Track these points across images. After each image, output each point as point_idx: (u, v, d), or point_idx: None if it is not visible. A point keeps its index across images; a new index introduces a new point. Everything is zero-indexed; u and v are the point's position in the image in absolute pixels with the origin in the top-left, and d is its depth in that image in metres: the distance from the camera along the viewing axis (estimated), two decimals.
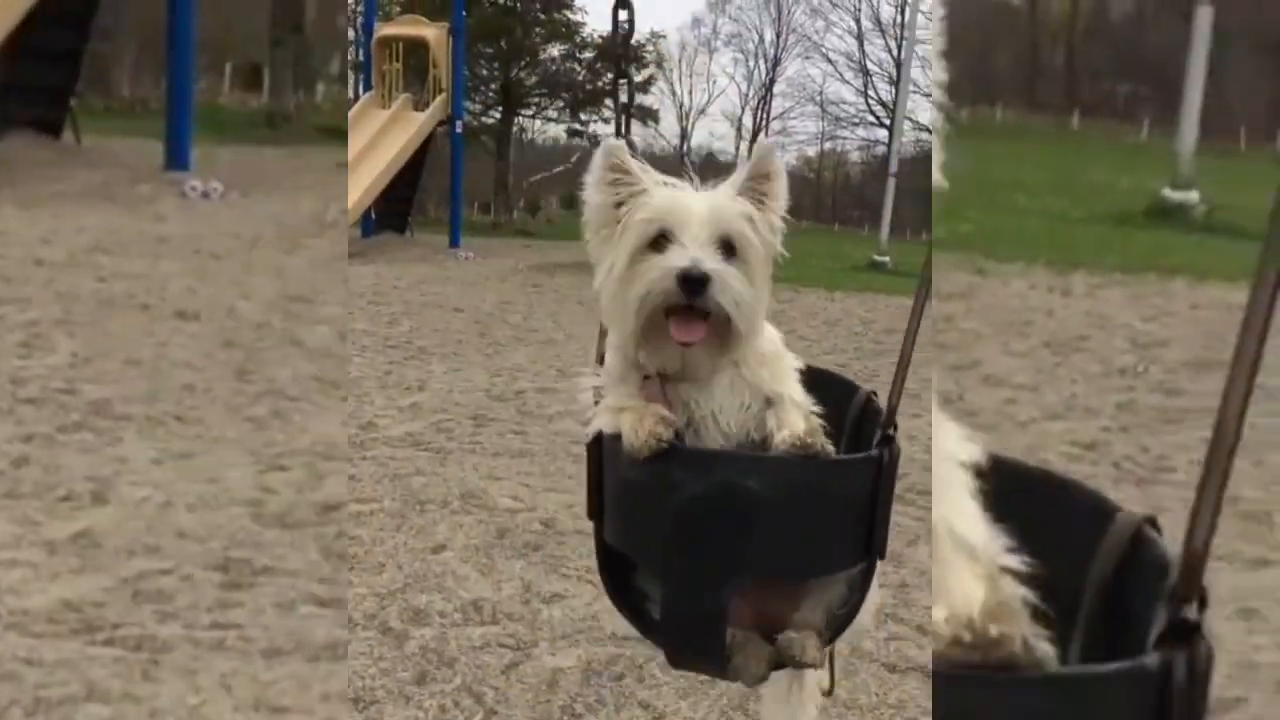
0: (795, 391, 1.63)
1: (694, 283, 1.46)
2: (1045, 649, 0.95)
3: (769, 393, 1.60)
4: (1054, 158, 20.78)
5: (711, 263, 1.47)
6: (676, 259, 1.47)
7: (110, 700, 2.56)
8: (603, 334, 1.75)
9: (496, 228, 29.56)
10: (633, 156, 1.62)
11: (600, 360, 1.76)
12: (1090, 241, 11.18)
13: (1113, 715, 0.91)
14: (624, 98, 1.95)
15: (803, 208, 48.01)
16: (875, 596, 1.71)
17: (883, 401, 1.65)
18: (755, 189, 1.57)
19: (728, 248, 1.52)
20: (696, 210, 1.53)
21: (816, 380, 1.72)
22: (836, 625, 1.61)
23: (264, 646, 2.81)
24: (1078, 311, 7.98)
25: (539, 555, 4.01)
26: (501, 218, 32.07)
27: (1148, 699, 0.90)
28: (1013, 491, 1.25)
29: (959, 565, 1.15)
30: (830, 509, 1.51)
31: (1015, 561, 1.17)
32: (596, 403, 1.68)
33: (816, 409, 1.63)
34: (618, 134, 1.88)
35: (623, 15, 1.96)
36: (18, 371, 4.90)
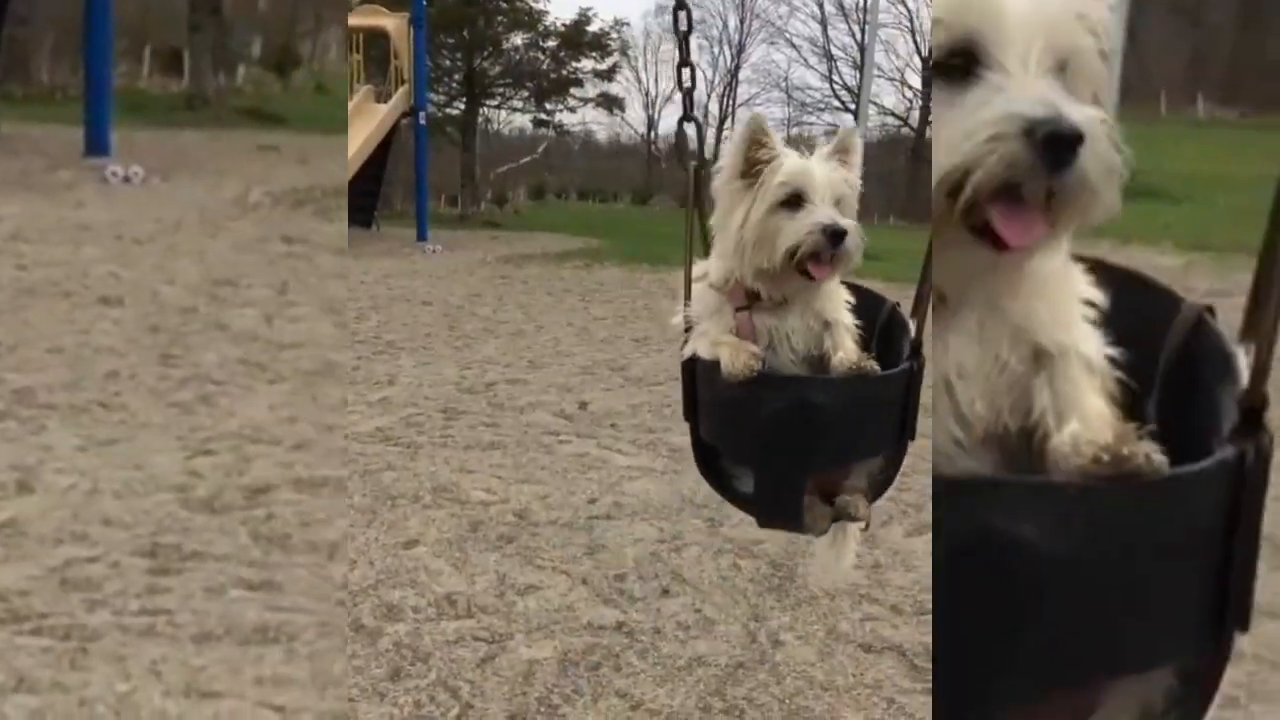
0: (846, 317, 1.97)
1: (836, 236, 1.80)
2: (1161, 459, 1.04)
3: (828, 318, 1.95)
4: None
5: (845, 221, 1.81)
6: (820, 216, 1.81)
7: (39, 690, 2.51)
8: (688, 274, 2.04)
9: (464, 220, 29.14)
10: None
11: (687, 295, 2.04)
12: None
13: (1206, 498, 1.04)
14: (687, 83, 2.20)
15: None
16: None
17: (905, 312, 1.98)
18: (841, 160, 1.91)
19: (840, 206, 1.85)
20: (820, 176, 1.85)
21: (853, 292, 2.03)
22: (877, 488, 2.03)
23: (194, 632, 2.77)
24: None
25: (513, 547, 3.98)
26: (469, 210, 31.60)
27: (1228, 483, 1.04)
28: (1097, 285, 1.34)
29: (1085, 383, 1.25)
30: (876, 411, 1.90)
31: (1121, 376, 1.30)
32: (687, 329, 2.01)
33: (859, 324, 1.97)
34: (685, 118, 2.17)
35: (682, 18, 2.20)
36: None
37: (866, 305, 2.08)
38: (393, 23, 19.56)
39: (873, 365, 1.88)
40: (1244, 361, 1.11)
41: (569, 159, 50.00)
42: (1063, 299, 1.28)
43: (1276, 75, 26.47)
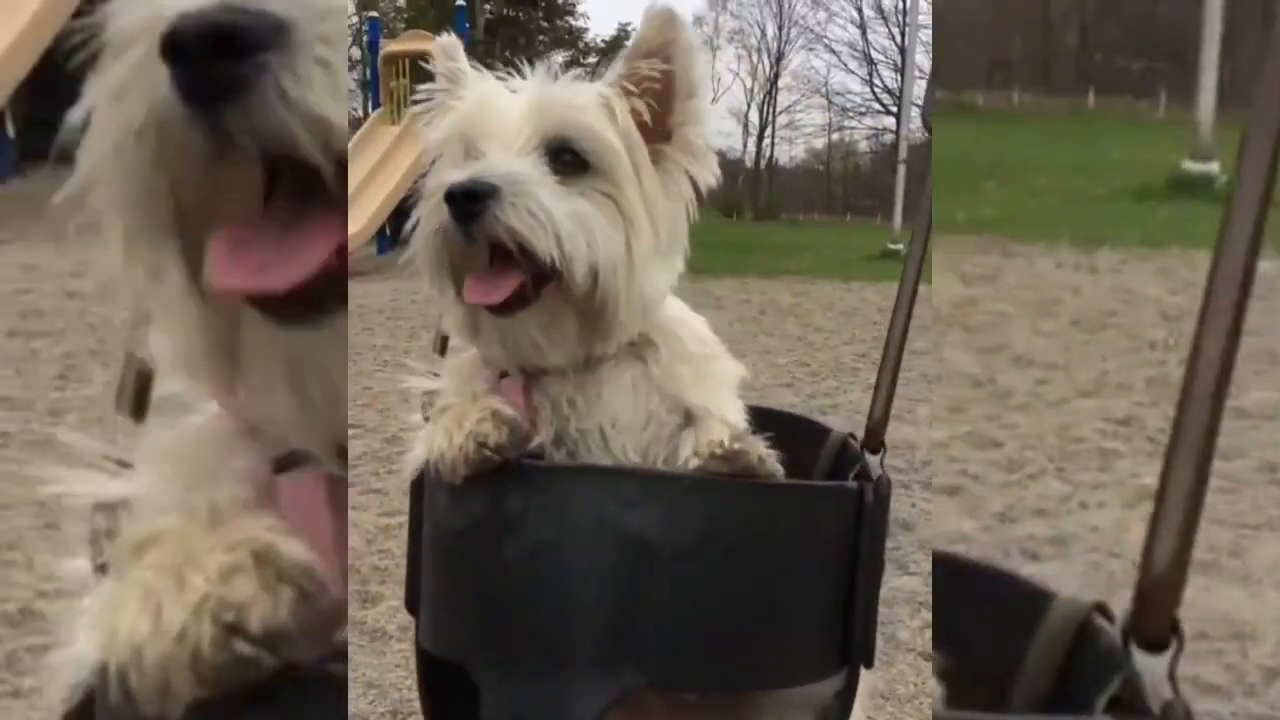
0: (729, 407, 1.15)
1: (461, 199, 0.95)
2: (777, 466, 1.05)
3: (690, 404, 1.12)
4: (1072, 137, 20.68)
5: (515, 170, 0.98)
6: (454, 174, 0.99)
7: None
8: (438, 329, 1.27)
9: None
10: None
11: (441, 350, 1.27)
12: (1113, 218, 11.12)
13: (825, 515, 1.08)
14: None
15: (814, 200, 48.06)
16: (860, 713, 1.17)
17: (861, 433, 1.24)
18: (645, 76, 1.08)
19: (569, 158, 1.04)
20: (513, 107, 1.05)
21: (772, 421, 1.20)
22: None
23: None
24: (1104, 288, 7.90)
25: None
26: None
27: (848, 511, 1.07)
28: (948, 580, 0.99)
29: (720, 428, 1.13)
30: (777, 566, 1.00)
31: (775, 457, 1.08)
32: (426, 419, 1.11)
33: (764, 441, 1.09)
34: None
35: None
36: (56, 403, 4.93)
37: (801, 439, 1.25)
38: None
39: (767, 459, 1.03)
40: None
41: None
42: (708, 370, 1.21)
43: None
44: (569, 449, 1.07)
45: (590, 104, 1.05)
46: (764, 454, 1.03)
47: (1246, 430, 4.51)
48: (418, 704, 1.21)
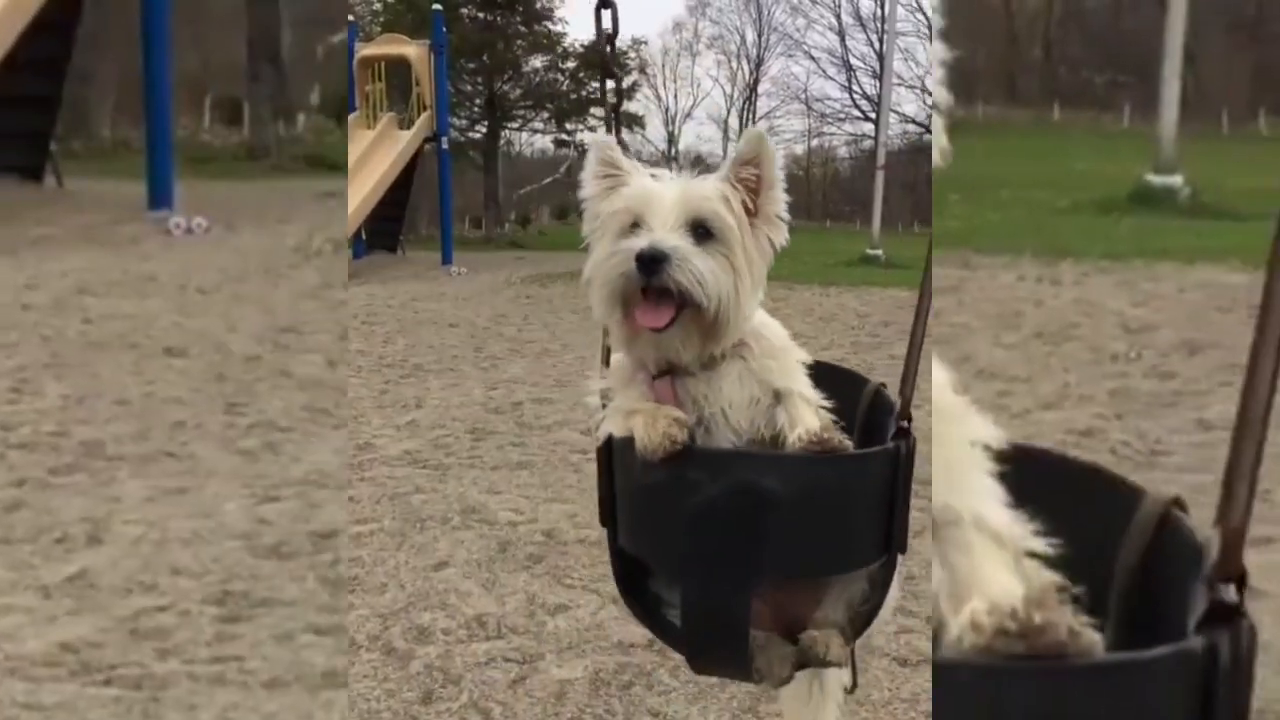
0: (804, 385, 1.61)
1: (648, 261, 1.43)
2: (1091, 635, 0.88)
3: (778, 387, 1.58)
4: (1037, 150, 20.87)
5: (675, 242, 1.46)
6: (637, 241, 1.46)
7: None
8: (607, 334, 1.69)
9: (488, 242, 29.64)
10: (625, 154, 1.63)
11: (606, 362, 1.73)
12: (1076, 231, 11.21)
13: (1160, 700, 0.88)
14: (613, 99, 1.92)
15: (793, 205, 47.79)
16: (895, 591, 1.68)
17: (892, 393, 1.63)
18: (744, 176, 1.55)
19: (702, 231, 1.51)
20: (667, 196, 1.52)
21: (823, 375, 1.69)
22: (859, 622, 1.60)
23: (264, 678, 2.79)
24: (1067, 300, 7.97)
25: (542, 567, 4.01)
26: (493, 232, 32.15)
27: (1194, 682, 0.88)
28: (1034, 478, 1.24)
29: (988, 552, 1.15)
30: (849, 505, 1.48)
31: (1040, 545, 1.17)
32: (604, 406, 1.66)
33: (826, 403, 1.61)
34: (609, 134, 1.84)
35: (606, 17, 1.89)
36: (8, 416, 4.88)
37: (844, 387, 1.72)
38: (413, 50, 19.94)
39: (843, 440, 1.50)
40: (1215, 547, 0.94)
41: None
42: (787, 361, 1.65)
43: None
44: (705, 426, 1.55)
45: (715, 195, 1.52)
46: (840, 437, 1.51)
47: (1215, 443, 4.59)
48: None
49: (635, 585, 1.67)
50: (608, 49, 1.90)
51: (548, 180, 42.90)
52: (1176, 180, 14.16)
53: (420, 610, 3.59)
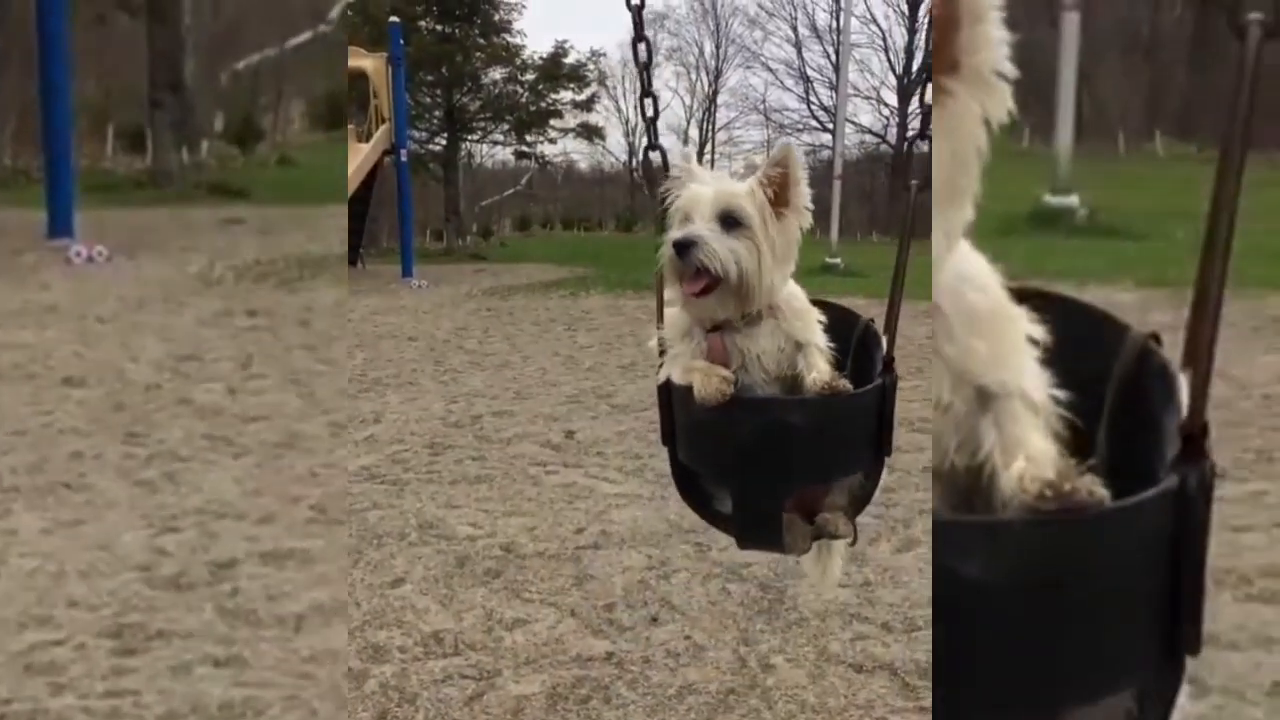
0: (818, 337, 2.00)
1: (681, 246, 1.85)
2: (1103, 493, 1.12)
3: (800, 339, 1.98)
4: None
5: (702, 231, 1.86)
6: (677, 232, 1.87)
7: None
8: (659, 299, 2.10)
9: (449, 254, 29.24)
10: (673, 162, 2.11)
11: (661, 318, 2.11)
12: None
13: (1149, 528, 1.10)
14: (650, 112, 2.23)
15: None
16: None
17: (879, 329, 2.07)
18: (773, 176, 1.90)
19: (731, 220, 1.88)
20: (705, 195, 1.91)
21: (826, 311, 2.07)
22: (858, 503, 2.06)
23: (159, 712, 2.73)
24: None
25: (500, 582, 3.94)
26: (454, 244, 31.80)
27: (1171, 512, 1.10)
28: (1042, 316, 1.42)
29: (1029, 421, 1.36)
30: (851, 429, 1.94)
31: (1061, 396, 1.41)
32: (662, 352, 2.07)
33: (832, 346, 2.00)
34: (650, 146, 2.22)
35: (641, 50, 2.19)
36: None
37: (841, 322, 2.12)
38: (371, 63, 19.78)
39: (845, 384, 1.90)
40: (1186, 389, 1.15)
41: (552, 189, 50.65)
42: (1003, 338, 1.39)
43: None
44: (744, 368, 1.95)
45: (742, 192, 1.88)
46: (844, 382, 1.89)
47: None
48: None
49: (691, 486, 2.15)
50: (645, 75, 2.25)
51: (509, 192, 42.74)
52: (1073, 201, 14.41)
53: (376, 629, 3.50)
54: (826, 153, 44.24)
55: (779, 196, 1.91)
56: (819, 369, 1.95)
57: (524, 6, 33.82)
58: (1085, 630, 1.08)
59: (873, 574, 3.82)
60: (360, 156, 19.02)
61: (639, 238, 36.86)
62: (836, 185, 20.06)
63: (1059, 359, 1.41)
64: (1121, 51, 31.87)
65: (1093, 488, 1.14)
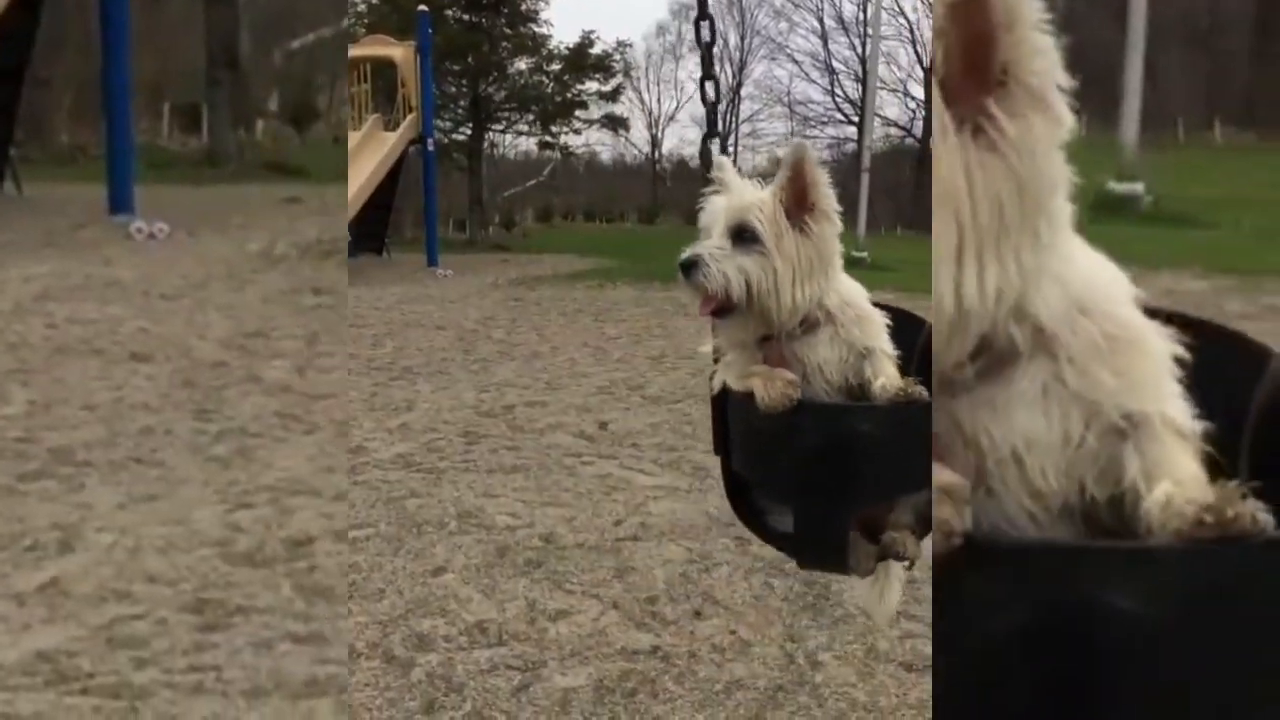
0: (884, 343, 1.86)
1: (685, 267, 1.75)
2: (1267, 518, 1.02)
3: (865, 345, 1.84)
4: None
5: (707, 250, 1.75)
6: (685, 251, 1.77)
7: None
8: None
9: (472, 244, 29.35)
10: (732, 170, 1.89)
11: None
12: None
13: None
14: (711, 96, 2.14)
15: None
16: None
17: None
18: (791, 185, 1.78)
19: (746, 234, 1.76)
20: (720, 208, 1.79)
21: (891, 315, 1.94)
22: (925, 523, 1.84)
23: (244, 687, 2.74)
24: None
25: (541, 572, 3.96)
26: (477, 234, 31.87)
27: None
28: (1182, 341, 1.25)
29: (1176, 445, 1.19)
30: (922, 440, 1.48)
31: (1202, 431, 1.23)
32: (716, 359, 1.94)
33: (899, 352, 1.86)
34: (710, 135, 2.10)
35: (705, 29, 2.11)
36: None
37: (903, 328, 1.97)
38: (399, 52, 19.85)
39: (920, 391, 1.73)
40: None
41: (575, 180, 50.69)
42: (871, 324, 1.82)
43: None
44: (805, 379, 1.78)
45: (754, 204, 1.76)
46: (920, 389, 1.69)
47: None
48: None
49: (744, 498, 2.00)
50: (707, 57, 2.14)
51: (531, 183, 42.76)
52: (1139, 188, 14.28)
53: (420, 617, 3.53)
54: (851, 145, 43.96)
55: (800, 202, 1.79)
56: (887, 374, 1.82)
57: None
58: (1241, 672, 1.00)
59: (919, 571, 3.83)
60: (386, 146, 19.15)
61: (661, 230, 36.83)
62: (864, 179, 19.93)
63: (1195, 385, 1.23)
64: (1182, 40, 31.40)
65: (1256, 513, 1.02)
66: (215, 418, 4.98)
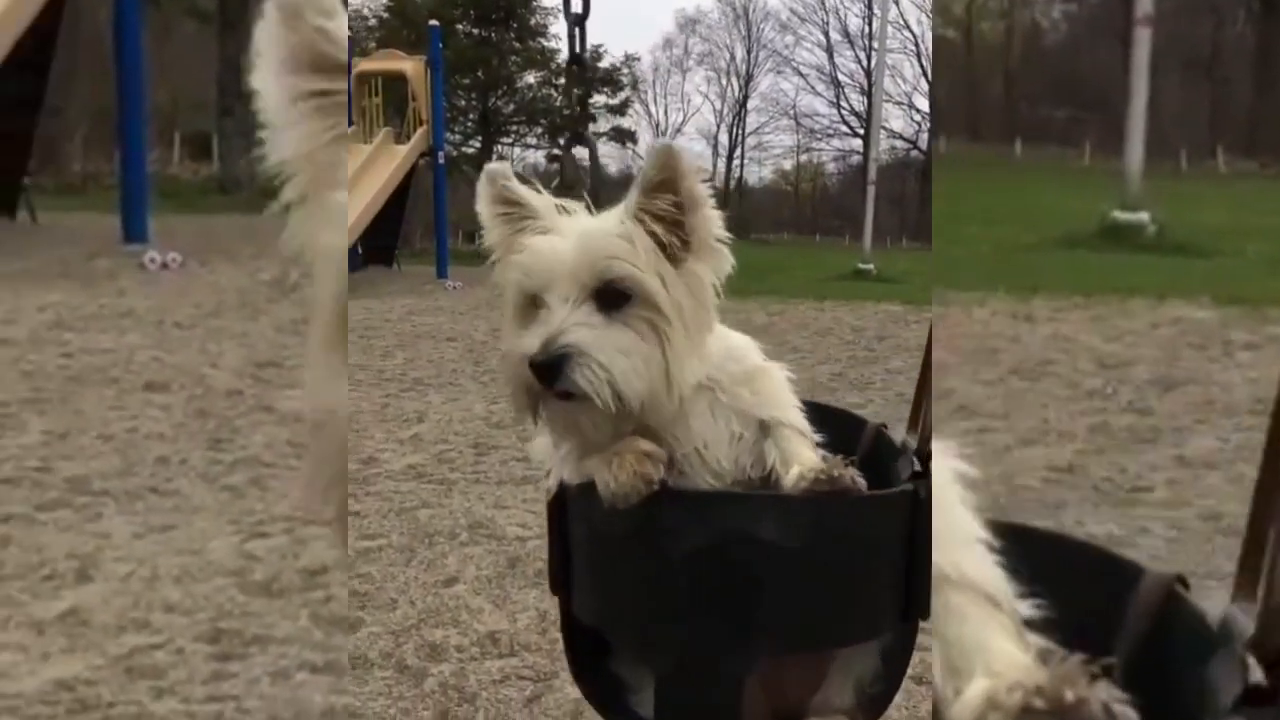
0: (793, 414, 1.38)
1: (545, 370, 1.20)
2: (1129, 713, 0.85)
3: (761, 417, 1.35)
4: (1001, 186, 21.09)
5: (574, 333, 1.22)
6: (530, 339, 1.23)
7: None
8: None
9: (481, 256, 29.44)
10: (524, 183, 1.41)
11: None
12: (1046, 267, 11.28)
13: (895, 513, 1.32)
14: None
15: (784, 219, 49.20)
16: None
17: (895, 434, 1.50)
18: (658, 203, 1.27)
19: (613, 295, 1.26)
20: (566, 259, 1.26)
21: (814, 415, 1.44)
22: (872, 708, 1.39)
23: (262, 718, 2.78)
24: (1041, 336, 8.02)
25: None
26: (485, 246, 32.15)
27: (907, 506, 1.31)
28: (1024, 554, 1.17)
29: (985, 618, 1.05)
30: (863, 559, 1.27)
31: (1031, 609, 1.10)
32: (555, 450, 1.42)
33: (818, 437, 1.38)
34: (572, 60, 1.81)
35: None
36: None
37: (841, 429, 1.49)
38: (410, 65, 19.94)
39: (854, 476, 1.26)
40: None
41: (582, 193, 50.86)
42: (765, 384, 1.47)
43: None
44: (679, 469, 1.31)
45: (620, 249, 1.25)
46: (854, 474, 1.27)
47: (1194, 480, 4.61)
48: None
49: (591, 665, 1.46)
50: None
51: None
52: (1143, 217, 14.32)
53: (432, 627, 3.54)
54: (856, 158, 44.15)
55: (672, 230, 1.28)
56: (802, 458, 1.31)
57: (560, 10, 34.25)
58: (847, 586, 1.31)
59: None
60: (397, 159, 19.32)
61: None
62: (870, 191, 20.10)
63: (1051, 594, 1.14)
64: (1183, 68, 31.57)
65: (855, 477, 1.26)
66: (229, 447, 5.03)
